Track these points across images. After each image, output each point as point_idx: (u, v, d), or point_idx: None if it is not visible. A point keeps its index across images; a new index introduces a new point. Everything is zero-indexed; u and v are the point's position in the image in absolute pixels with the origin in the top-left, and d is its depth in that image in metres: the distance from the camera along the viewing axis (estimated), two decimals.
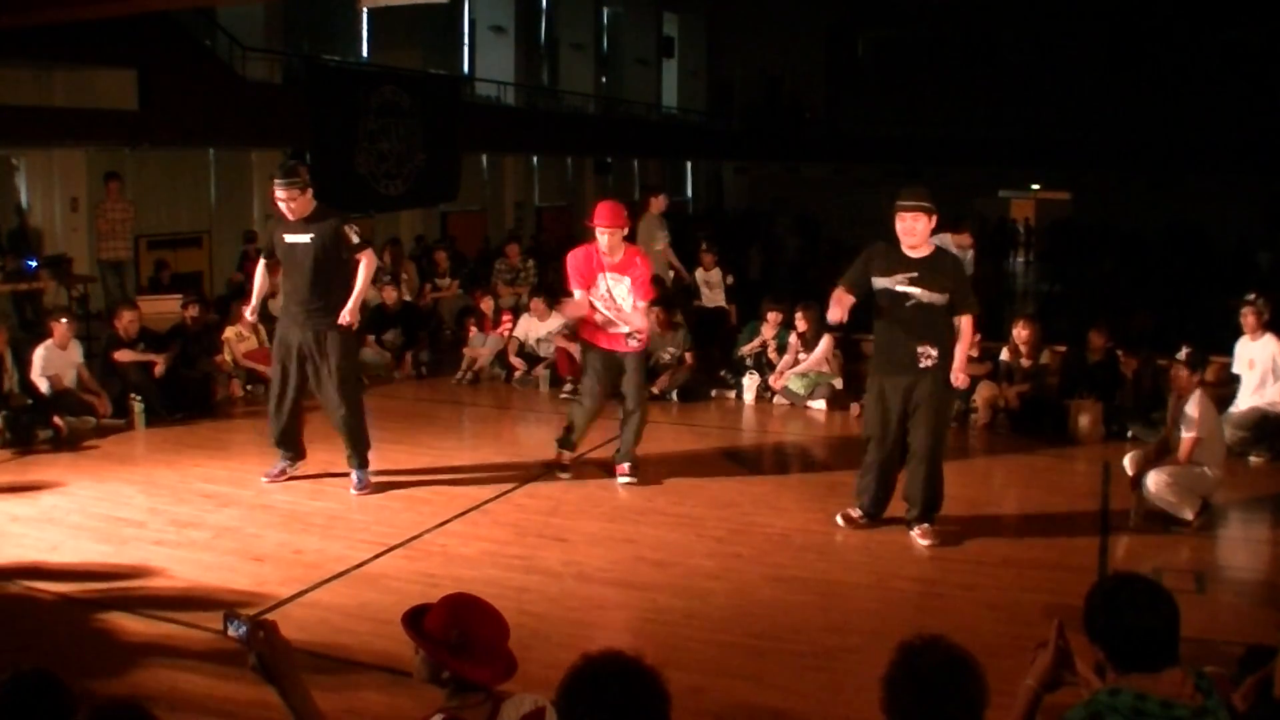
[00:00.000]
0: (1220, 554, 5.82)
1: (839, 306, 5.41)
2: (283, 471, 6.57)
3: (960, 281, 5.58)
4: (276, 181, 6.19)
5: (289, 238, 6.21)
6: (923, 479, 5.53)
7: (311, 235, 6.14)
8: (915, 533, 5.61)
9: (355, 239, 6.23)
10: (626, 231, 6.45)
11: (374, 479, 6.51)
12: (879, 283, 5.47)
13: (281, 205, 6.18)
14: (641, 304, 6.48)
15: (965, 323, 5.52)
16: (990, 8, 27.55)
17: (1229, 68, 25.14)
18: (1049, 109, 26.63)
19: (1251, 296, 7.93)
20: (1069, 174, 28.76)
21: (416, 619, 2.44)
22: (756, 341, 9.43)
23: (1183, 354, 6.09)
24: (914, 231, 5.37)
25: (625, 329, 6.43)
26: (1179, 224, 25.24)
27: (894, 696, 2.25)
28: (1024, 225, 33.66)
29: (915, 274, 5.37)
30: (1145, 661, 2.36)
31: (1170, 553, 5.60)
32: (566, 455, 6.80)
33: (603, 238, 6.35)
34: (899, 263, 5.42)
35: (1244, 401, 7.65)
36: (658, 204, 10.61)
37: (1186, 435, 5.87)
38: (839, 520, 5.81)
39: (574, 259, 6.50)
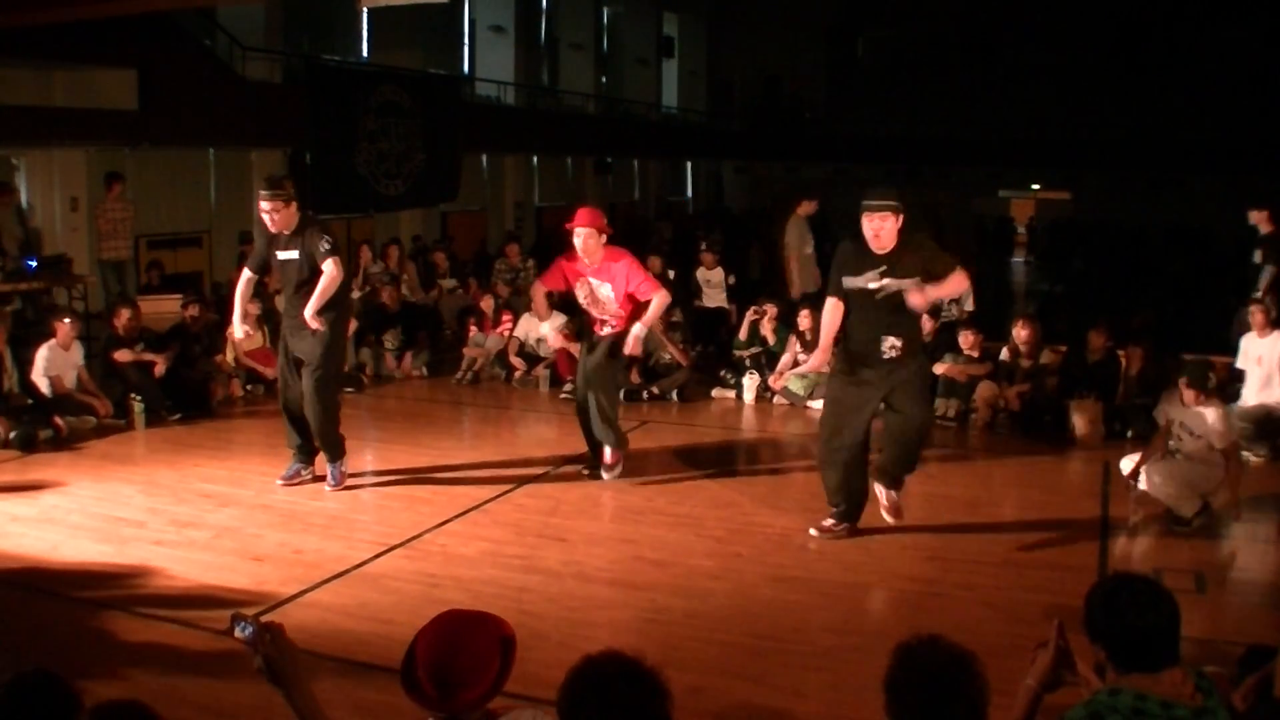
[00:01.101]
0: (1220, 554, 5.83)
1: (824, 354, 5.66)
2: (296, 474, 6.58)
3: (930, 260, 5.34)
4: (261, 192, 6.27)
5: (281, 255, 6.37)
6: (901, 457, 5.55)
7: (297, 251, 6.29)
8: (879, 490, 5.64)
9: (324, 246, 6.22)
10: (603, 235, 6.48)
11: (376, 479, 6.51)
12: (850, 283, 5.44)
13: (265, 216, 6.24)
14: (613, 301, 6.52)
15: (956, 275, 5.35)
16: (990, 8, 27.53)
17: (1229, 68, 25.11)
18: (1049, 109, 26.61)
19: (1260, 294, 7.92)
20: (1069, 174, 28.74)
21: (409, 671, 2.33)
22: (744, 329, 9.56)
23: (1184, 379, 5.95)
24: (881, 233, 5.30)
25: (603, 317, 6.58)
26: (1180, 224, 25.22)
27: (896, 697, 2.25)
28: (1026, 225, 33.59)
29: (884, 268, 5.32)
30: (1145, 661, 2.37)
31: (1170, 553, 5.60)
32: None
33: (578, 240, 6.46)
34: (867, 262, 5.37)
35: (1250, 397, 7.70)
36: (807, 207, 10.32)
37: (1223, 445, 5.80)
38: (812, 532, 5.69)
39: (558, 264, 6.69)
